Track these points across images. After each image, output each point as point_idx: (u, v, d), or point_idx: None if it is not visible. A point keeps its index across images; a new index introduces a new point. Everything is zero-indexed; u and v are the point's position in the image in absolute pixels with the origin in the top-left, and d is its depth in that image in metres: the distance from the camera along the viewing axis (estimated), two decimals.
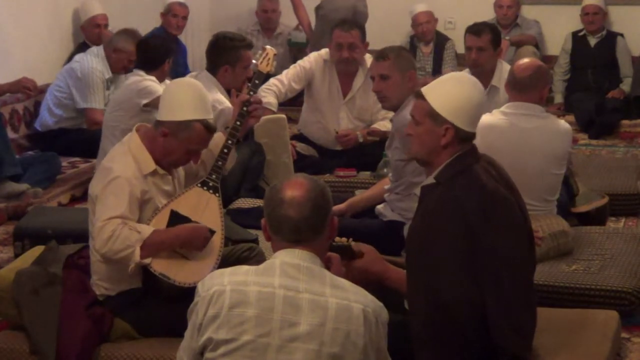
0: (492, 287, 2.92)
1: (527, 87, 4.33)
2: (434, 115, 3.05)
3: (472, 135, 3.10)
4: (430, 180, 3.06)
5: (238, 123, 3.88)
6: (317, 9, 7.39)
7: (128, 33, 6.52)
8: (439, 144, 3.05)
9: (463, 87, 3.11)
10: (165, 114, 3.54)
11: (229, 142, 3.81)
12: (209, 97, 3.68)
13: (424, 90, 3.11)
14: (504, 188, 3.03)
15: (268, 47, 4.30)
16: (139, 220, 3.41)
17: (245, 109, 3.92)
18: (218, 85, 5.14)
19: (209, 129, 3.56)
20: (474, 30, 5.51)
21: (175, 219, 3.49)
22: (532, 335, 3.04)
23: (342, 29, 5.69)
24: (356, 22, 5.85)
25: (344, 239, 3.11)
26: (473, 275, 2.92)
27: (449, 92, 3.09)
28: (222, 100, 5.05)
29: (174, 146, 3.51)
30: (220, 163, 3.74)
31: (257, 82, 4.09)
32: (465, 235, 2.91)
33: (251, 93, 4.00)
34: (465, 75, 3.25)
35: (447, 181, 3.00)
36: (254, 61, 4.34)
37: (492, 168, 3.08)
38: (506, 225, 2.96)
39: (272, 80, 5.80)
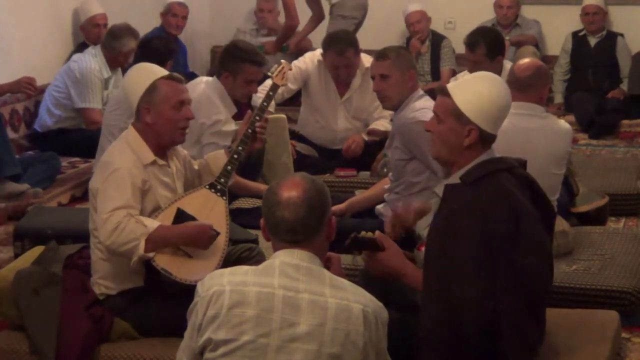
0: (505, 296, 2.87)
1: (528, 87, 4.32)
2: (458, 115, 3.01)
3: (495, 138, 3.07)
4: (455, 179, 3.02)
5: (240, 148, 3.84)
6: (333, 7, 7.37)
7: (128, 33, 6.55)
8: (462, 145, 3.02)
9: (491, 89, 3.06)
10: (133, 98, 3.57)
11: (240, 148, 3.81)
12: (157, 66, 3.69)
13: (450, 87, 3.06)
14: (528, 201, 2.99)
15: (283, 61, 4.33)
16: (140, 212, 3.42)
17: (249, 130, 3.88)
18: (222, 92, 5.05)
19: (173, 78, 3.59)
20: (468, 43, 5.47)
21: (181, 217, 3.51)
22: (537, 349, 3.01)
23: (336, 53, 5.67)
24: (348, 39, 5.81)
25: (370, 233, 3.09)
26: (489, 281, 2.87)
27: (476, 92, 3.03)
28: (215, 113, 5.00)
29: (160, 114, 3.53)
30: (229, 168, 3.75)
31: (271, 94, 4.11)
32: (486, 242, 2.87)
33: (265, 104, 4.01)
34: (494, 76, 3.16)
35: (473, 183, 2.96)
36: (269, 73, 4.34)
37: (515, 180, 3.03)
38: (528, 239, 2.91)
39: (268, 81, 5.79)
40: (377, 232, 3.12)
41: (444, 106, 3.05)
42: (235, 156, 3.78)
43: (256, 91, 5.03)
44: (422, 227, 3.17)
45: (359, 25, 7.30)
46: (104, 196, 3.38)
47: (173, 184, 3.61)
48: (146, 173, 3.48)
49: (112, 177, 3.39)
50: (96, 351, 3.40)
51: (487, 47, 5.39)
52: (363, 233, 3.06)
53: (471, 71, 5.42)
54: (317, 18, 7.89)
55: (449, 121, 3.02)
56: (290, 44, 7.99)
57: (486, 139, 3.04)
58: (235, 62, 4.99)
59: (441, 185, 3.09)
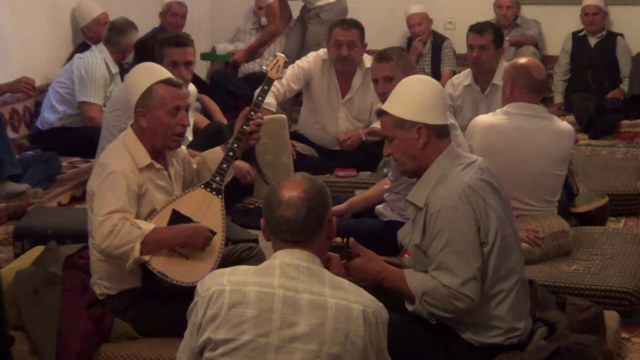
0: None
1: (544, 89, 4.36)
2: (401, 123, 3.12)
3: (446, 127, 3.17)
4: (425, 181, 3.13)
5: (235, 145, 3.82)
6: (321, 10, 7.33)
7: (130, 26, 6.65)
8: (418, 148, 3.10)
9: (415, 86, 3.20)
10: (132, 99, 3.57)
11: (235, 145, 3.78)
12: (159, 66, 3.71)
13: (384, 106, 3.19)
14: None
15: (279, 54, 4.29)
16: (136, 215, 3.42)
17: (245, 127, 3.85)
18: None
19: (171, 83, 3.57)
20: (476, 28, 5.53)
21: (177, 218, 3.49)
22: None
23: (342, 28, 5.70)
24: (357, 23, 5.85)
25: (338, 239, 3.11)
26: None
27: (404, 95, 3.17)
28: None
29: (155, 118, 3.51)
30: (224, 166, 3.72)
31: (266, 88, 4.08)
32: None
33: (259, 99, 3.99)
34: (414, 76, 3.40)
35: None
36: (264, 67, 4.33)
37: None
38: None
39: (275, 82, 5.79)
40: (351, 240, 3.15)
41: (386, 124, 3.18)
42: (231, 153, 3.76)
43: (187, 75, 4.99)
44: (403, 235, 3.23)
45: None
46: (100, 199, 3.38)
47: (170, 187, 3.60)
48: (142, 177, 3.46)
49: (109, 179, 3.39)
50: (96, 351, 3.40)
51: (493, 35, 5.45)
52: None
53: (477, 58, 5.44)
54: (286, 20, 7.86)
55: (397, 134, 3.14)
56: (261, 51, 7.91)
57: (440, 132, 3.13)
58: (158, 50, 5.00)
59: (413, 192, 3.15)
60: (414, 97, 3.15)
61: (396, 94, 3.21)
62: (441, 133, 3.13)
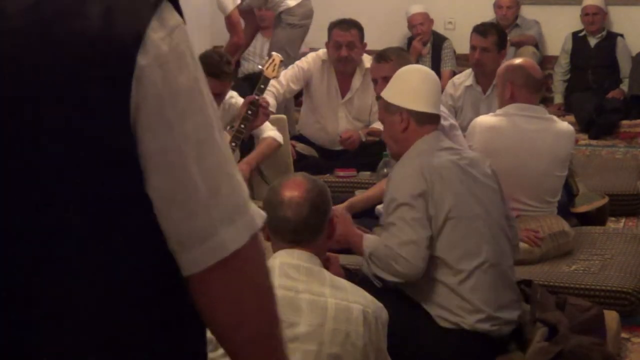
0: None
1: (542, 87, 4.38)
2: (387, 107, 3.29)
3: (433, 117, 3.27)
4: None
5: (242, 126, 3.87)
6: (281, 14, 7.27)
7: None
8: (399, 131, 3.23)
9: (406, 74, 3.37)
10: None
11: (233, 144, 3.83)
12: None
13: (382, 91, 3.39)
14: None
15: (274, 53, 4.32)
16: None
17: (249, 112, 3.89)
18: None
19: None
20: (480, 30, 5.53)
21: None
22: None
23: (341, 29, 5.70)
24: (356, 23, 5.85)
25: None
26: None
27: (394, 81, 3.34)
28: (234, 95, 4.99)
29: None
30: (233, 144, 3.77)
31: (262, 86, 4.12)
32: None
33: (256, 97, 4.02)
34: (410, 65, 3.57)
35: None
36: (259, 66, 4.36)
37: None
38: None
39: (270, 82, 5.79)
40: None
41: (380, 107, 3.40)
42: (239, 134, 3.83)
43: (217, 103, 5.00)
44: (380, 212, 3.46)
45: (306, 32, 7.25)
46: None
47: None
48: None
49: None
50: None
51: (497, 37, 5.46)
52: None
53: (478, 59, 5.45)
54: (253, 30, 7.82)
55: (386, 117, 3.32)
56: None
57: (421, 120, 3.24)
58: None
59: (392, 168, 3.37)
60: (401, 83, 3.30)
61: (392, 79, 3.38)
62: (423, 120, 3.24)
